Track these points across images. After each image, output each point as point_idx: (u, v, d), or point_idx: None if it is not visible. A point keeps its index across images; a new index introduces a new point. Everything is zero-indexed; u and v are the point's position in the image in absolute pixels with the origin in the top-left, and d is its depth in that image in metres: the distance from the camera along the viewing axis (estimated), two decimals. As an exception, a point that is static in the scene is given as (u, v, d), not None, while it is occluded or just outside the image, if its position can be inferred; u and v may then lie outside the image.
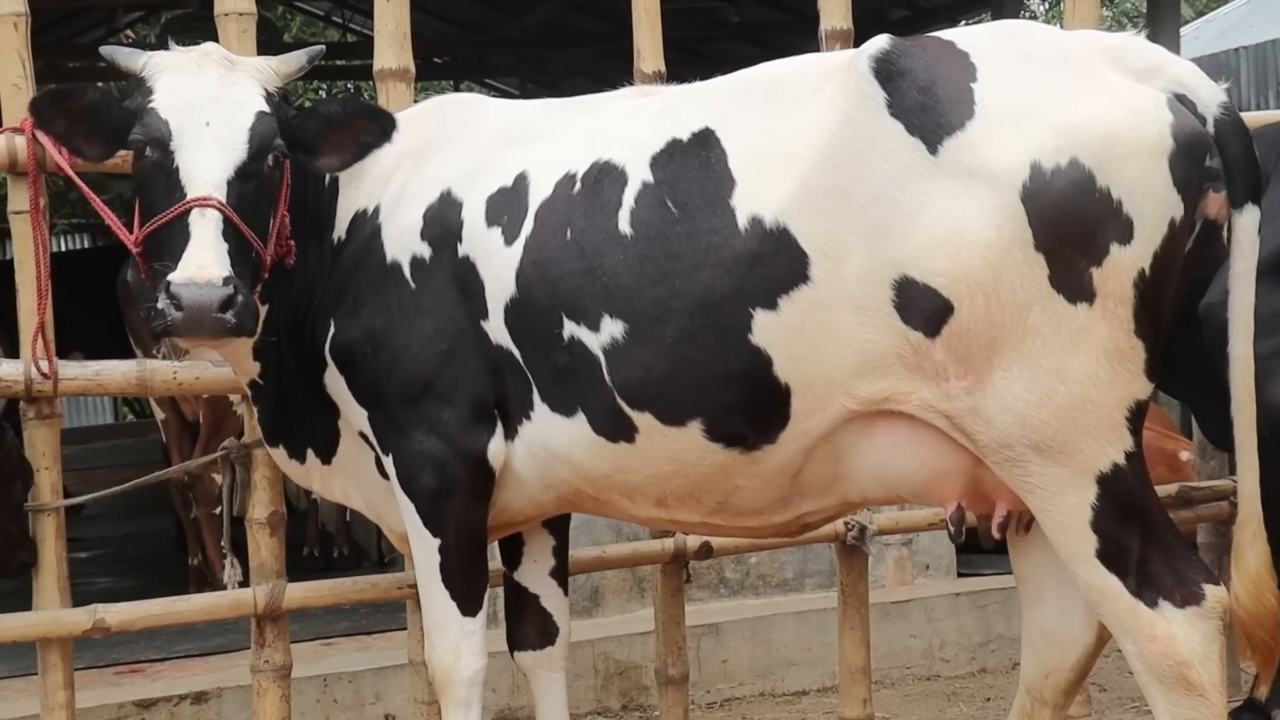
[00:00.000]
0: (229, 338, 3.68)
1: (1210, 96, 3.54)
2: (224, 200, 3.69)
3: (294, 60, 4.05)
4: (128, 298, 7.53)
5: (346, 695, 5.98)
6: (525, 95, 15.58)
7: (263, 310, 4.00)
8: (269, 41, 13.41)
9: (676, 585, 5.16)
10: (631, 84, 4.62)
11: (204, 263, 3.59)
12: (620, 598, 6.65)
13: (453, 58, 15.91)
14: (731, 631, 6.47)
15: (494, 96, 16.44)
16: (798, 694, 6.49)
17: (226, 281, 3.58)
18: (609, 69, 4.73)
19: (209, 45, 3.98)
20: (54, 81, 12.63)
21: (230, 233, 3.69)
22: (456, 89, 18.03)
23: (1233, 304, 3.58)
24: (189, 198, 3.69)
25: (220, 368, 4.57)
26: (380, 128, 3.98)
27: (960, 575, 7.07)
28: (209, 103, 3.80)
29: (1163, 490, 5.49)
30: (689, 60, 11.90)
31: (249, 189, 3.79)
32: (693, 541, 5.03)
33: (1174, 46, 10.60)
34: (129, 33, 16.15)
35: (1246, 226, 3.52)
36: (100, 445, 15.74)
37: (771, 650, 6.51)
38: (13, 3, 4.44)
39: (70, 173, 4.31)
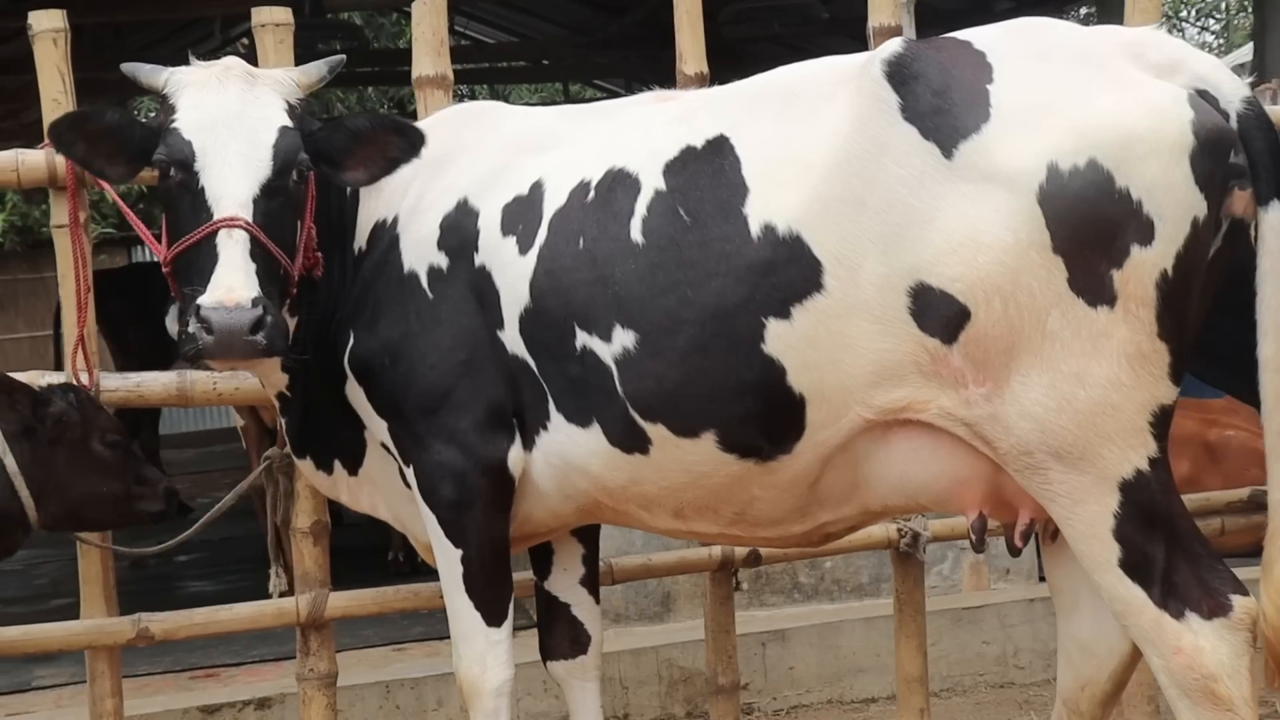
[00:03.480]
0: (261, 359, 3.71)
1: (1233, 91, 3.44)
2: (250, 219, 3.70)
3: (314, 71, 4.07)
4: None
5: (409, 701, 6.02)
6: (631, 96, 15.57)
7: (292, 324, 4.03)
8: (358, 48, 13.63)
9: (726, 593, 5.12)
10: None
11: (233, 285, 3.61)
12: (693, 603, 6.61)
13: (558, 60, 15.98)
14: (798, 638, 6.41)
15: (602, 98, 16.55)
16: (865, 701, 6.41)
17: (256, 303, 3.60)
18: (712, 67, 4.73)
19: (230, 59, 3.98)
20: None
21: (258, 252, 3.70)
22: (565, 92, 18.13)
23: (1261, 305, 3.46)
24: (216, 218, 3.69)
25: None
26: (408, 142, 3.97)
27: (1042, 580, 6.91)
28: (232, 120, 3.81)
29: (1235, 494, 5.38)
30: (786, 55, 11.83)
31: (275, 206, 3.79)
32: (741, 549, 4.98)
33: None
34: (244, 42, 16.44)
35: (1273, 224, 3.40)
36: (219, 449, 16.07)
37: (839, 657, 6.44)
38: (52, 19, 4.52)
39: (108, 188, 4.38)
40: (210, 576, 8.95)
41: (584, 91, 18.68)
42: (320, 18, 11.20)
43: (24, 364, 16.27)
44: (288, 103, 3.92)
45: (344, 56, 4.18)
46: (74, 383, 4.37)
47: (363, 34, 13.42)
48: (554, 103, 14.44)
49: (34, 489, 4.17)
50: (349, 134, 3.96)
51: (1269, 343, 3.46)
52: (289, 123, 3.87)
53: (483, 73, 16.59)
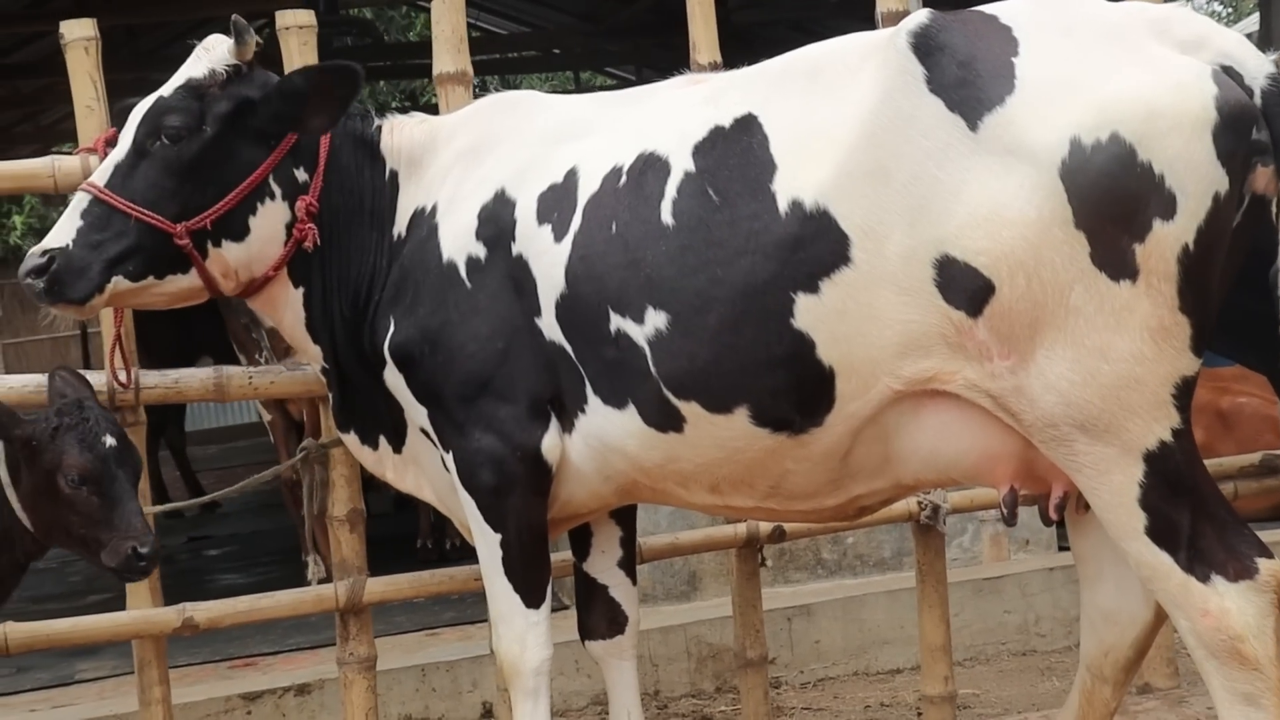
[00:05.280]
0: (46, 303, 4.08)
1: (1258, 68, 3.46)
2: (101, 183, 4.08)
3: (248, 40, 4.18)
4: (227, 306, 7.70)
5: (444, 684, 6.11)
6: (642, 83, 15.62)
7: (297, 293, 4.29)
8: (371, 43, 13.69)
9: (752, 569, 5.21)
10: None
11: (46, 238, 4.10)
12: (718, 582, 6.68)
13: (569, 49, 16.02)
14: (823, 612, 6.50)
15: (613, 85, 16.42)
16: (891, 672, 6.51)
17: (44, 253, 4.04)
18: (723, 53, 4.82)
19: (211, 38, 4.20)
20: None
21: (96, 210, 4.07)
22: (577, 80, 18.17)
23: None
24: None
25: (293, 372, 4.71)
26: (347, 77, 4.19)
27: (1061, 549, 6.99)
28: (152, 98, 4.17)
29: (1245, 459, 5.46)
30: (796, 39, 11.90)
31: (140, 168, 4.10)
32: (765, 526, 5.07)
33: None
34: (259, 41, 16.54)
35: None
36: (243, 444, 16.17)
37: (864, 630, 6.54)
38: (84, 28, 4.62)
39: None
40: (241, 570, 9.04)
41: (594, 79, 18.71)
42: (333, 14, 11.29)
43: (46, 364, 16.32)
44: (209, 70, 4.15)
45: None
46: (76, 406, 4.15)
47: (375, 29, 13.45)
48: (565, 92, 14.53)
49: (24, 501, 4.13)
50: (288, 94, 4.15)
51: None
52: (167, 93, 4.14)
53: (493, 64, 16.65)
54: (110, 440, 4.08)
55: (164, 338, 8.87)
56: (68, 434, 4.06)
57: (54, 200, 4.66)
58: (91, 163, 4.50)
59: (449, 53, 4.85)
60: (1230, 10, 25.74)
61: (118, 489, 4.07)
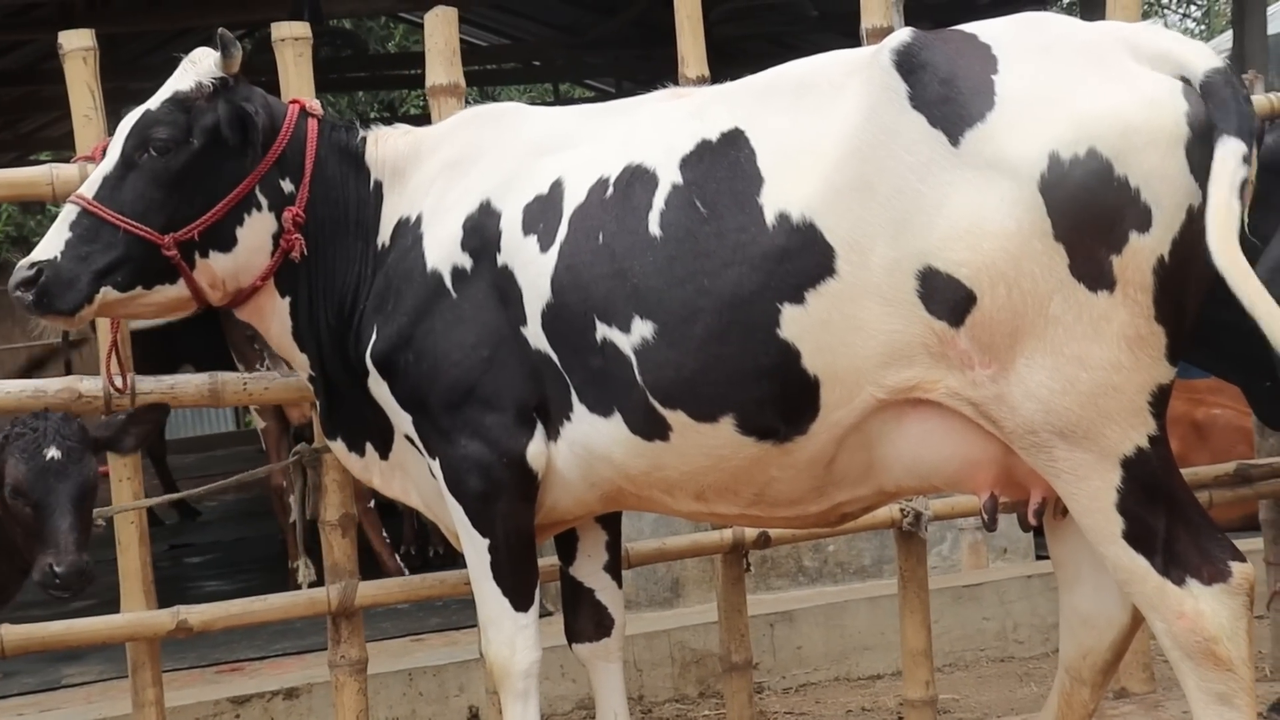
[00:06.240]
0: (35, 315, 4.17)
1: (1200, 63, 3.50)
2: (89, 195, 4.14)
3: (233, 52, 4.22)
4: (228, 317, 7.73)
5: (431, 688, 6.18)
6: (621, 95, 15.71)
7: (284, 302, 4.35)
8: (353, 54, 13.77)
9: (737, 574, 5.29)
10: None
11: (34, 250, 4.16)
12: (701, 588, 6.78)
13: (550, 61, 16.07)
14: (805, 618, 6.60)
15: (593, 97, 16.45)
16: (871, 678, 6.61)
17: (33, 266, 4.10)
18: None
19: (198, 51, 4.25)
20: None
21: (85, 223, 4.14)
22: (555, 92, 18.22)
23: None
24: None
25: (287, 378, 4.78)
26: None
27: (1039, 558, 7.10)
28: (139, 110, 4.22)
29: (1221, 468, 5.56)
30: (777, 53, 11.99)
31: (128, 180, 4.17)
32: (750, 532, 5.15)
33: (1261, 23, 10.49)
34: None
35: (1225, 156, 3.39)
36: (221, 453, 16.16)
37: (845, 636, 6.63)
38: (82, 38, 4.67)
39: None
40: (224, 576, 9.06)
41: (573, 91, 18.77)
42: (318, 24, 11.34)
43: (22, 373, 16.31)
44: (196, 82, 4.20)
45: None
46: (34, 416, 4.24)
47: (358, 39, 13.50)
48: (544, 103, 14.62)
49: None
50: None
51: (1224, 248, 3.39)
52: (154, 105, 4.20)
53: (473, 75, 16.70)
54: (52, 453, 4.11)
55: (146, 347, 8.92)
56: (13, 444, 4.15)
57: (32, 208, 4.71)
58: (89, 171, 4.58)
59: (442, 65, 4.93)
60: (1203, 28, 25.95)
61: (51, 502, 4.09)
